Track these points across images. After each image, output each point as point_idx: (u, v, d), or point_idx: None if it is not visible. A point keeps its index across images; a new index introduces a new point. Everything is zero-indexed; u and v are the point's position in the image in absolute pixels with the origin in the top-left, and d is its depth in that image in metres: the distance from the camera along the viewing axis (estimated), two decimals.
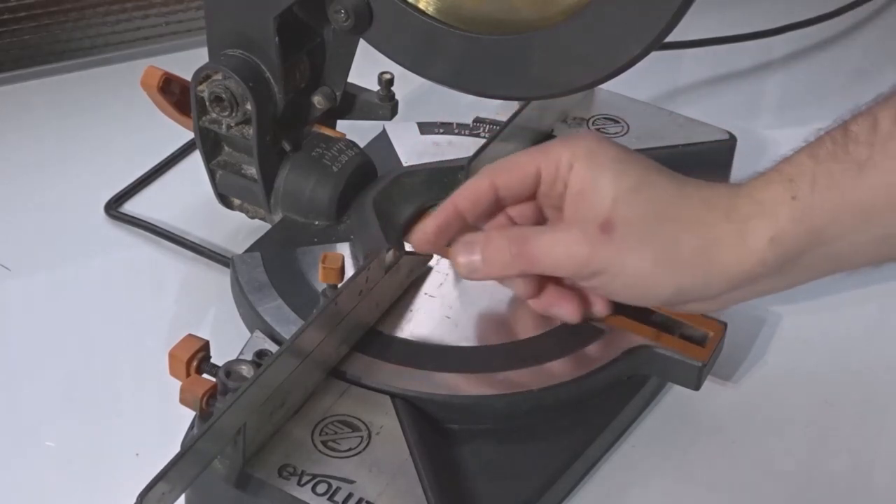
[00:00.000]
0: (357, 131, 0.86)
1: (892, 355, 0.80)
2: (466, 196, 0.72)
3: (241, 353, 0.69)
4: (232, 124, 0.78)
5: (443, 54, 0.74)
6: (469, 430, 0.70)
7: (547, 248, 0.69)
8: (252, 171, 0.81)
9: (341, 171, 0.81)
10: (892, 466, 0.74)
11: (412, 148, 0.88)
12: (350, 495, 0.64)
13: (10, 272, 0.84)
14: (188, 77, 0.79)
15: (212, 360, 0.65)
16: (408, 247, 0.76)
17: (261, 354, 0.66)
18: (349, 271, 0.72)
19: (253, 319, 0.75)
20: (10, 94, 1.02)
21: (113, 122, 0.98)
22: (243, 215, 0.85)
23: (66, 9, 1.02)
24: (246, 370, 0.64)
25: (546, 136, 0.89)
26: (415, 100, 0.95)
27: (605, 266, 0.67)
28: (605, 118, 0.92)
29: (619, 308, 0.73)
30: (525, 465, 0.68)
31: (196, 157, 0.84)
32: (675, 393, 0.75)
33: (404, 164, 0.86)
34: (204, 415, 0.63)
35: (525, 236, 0.70)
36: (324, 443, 0.66)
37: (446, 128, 0.90)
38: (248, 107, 0.77)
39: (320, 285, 0.72)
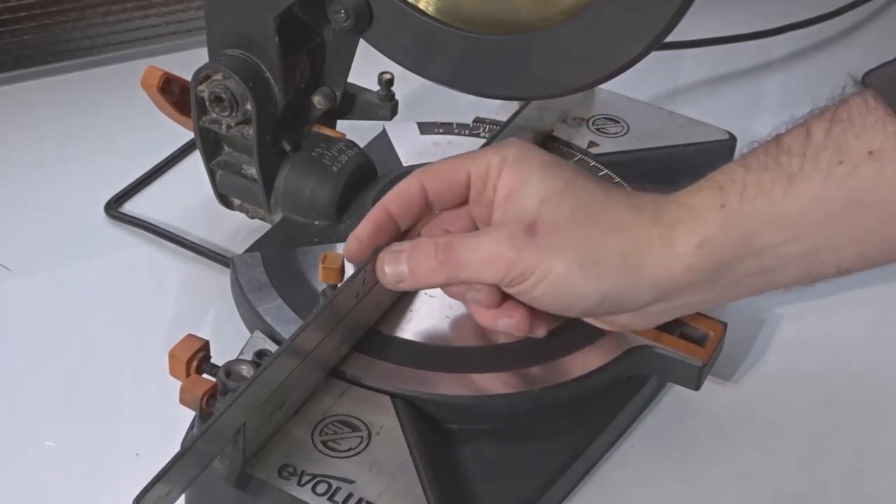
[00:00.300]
0: (357, 131, 0.86)
1: (892, 355, 0.80)
2: (396, 199, 0.71)
3: (241, 353, 0.69)
4: (232, 124, 0.78)
5: (443, 54, 0.74)
6: (469, 430, 0.70)
7: (472, 252, 0.67)
8: (252, 171, 0.81)
9: (341, 171, 0.81)
10: (892, 466, 0.74)
11: (412, 148, 0.88)
12: (350, 495, 0.64)
13: (10, 272, 0.84)
14: (188, 77, 0.79)
15: (212, 360, 0.65)
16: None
17: (261, 354, 0.66)
18: (349, 271, 0.71)
19: (253, 319, 0.75)
20: (10, 94, 1.02)
21: (113, 122, 0.98)
22: (243, 215, 0.85)
23: (66, 9, 1.02)
24: (246, 370, 0.64)
25: (546, 137, 0.89)
26: (415, 100, 0.95)
27: (530, 269, 0.65)
28: (605, 118, 0.92)
29: None
30: (525, 465, 0.68)
31: (196, 157, 0.84)
32: (675, 393, 0.75)
33: (404, 164, 0.86)
34: (204, 415, 0.63)
35: (450, 242, 0.68)
36: (324, 443, 0.66)
37: (446, 128, 0.90)
38: (248, 107, 0.77)
39: (320, 285, 0.73)
